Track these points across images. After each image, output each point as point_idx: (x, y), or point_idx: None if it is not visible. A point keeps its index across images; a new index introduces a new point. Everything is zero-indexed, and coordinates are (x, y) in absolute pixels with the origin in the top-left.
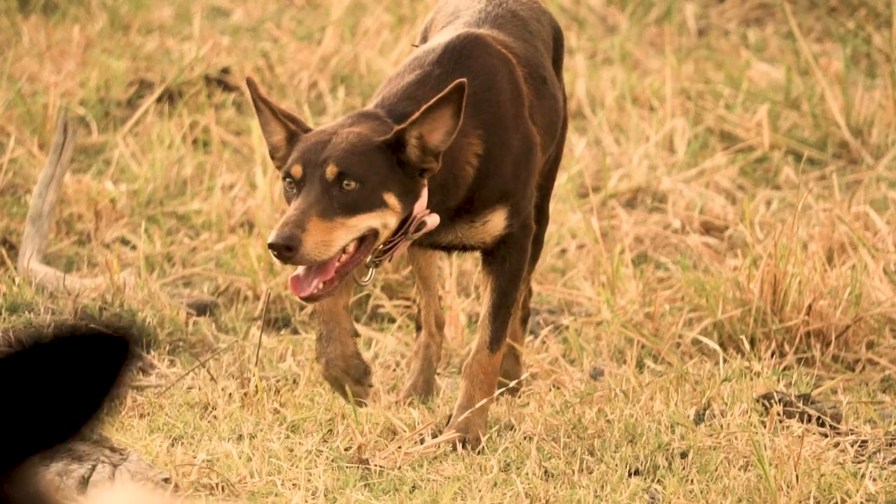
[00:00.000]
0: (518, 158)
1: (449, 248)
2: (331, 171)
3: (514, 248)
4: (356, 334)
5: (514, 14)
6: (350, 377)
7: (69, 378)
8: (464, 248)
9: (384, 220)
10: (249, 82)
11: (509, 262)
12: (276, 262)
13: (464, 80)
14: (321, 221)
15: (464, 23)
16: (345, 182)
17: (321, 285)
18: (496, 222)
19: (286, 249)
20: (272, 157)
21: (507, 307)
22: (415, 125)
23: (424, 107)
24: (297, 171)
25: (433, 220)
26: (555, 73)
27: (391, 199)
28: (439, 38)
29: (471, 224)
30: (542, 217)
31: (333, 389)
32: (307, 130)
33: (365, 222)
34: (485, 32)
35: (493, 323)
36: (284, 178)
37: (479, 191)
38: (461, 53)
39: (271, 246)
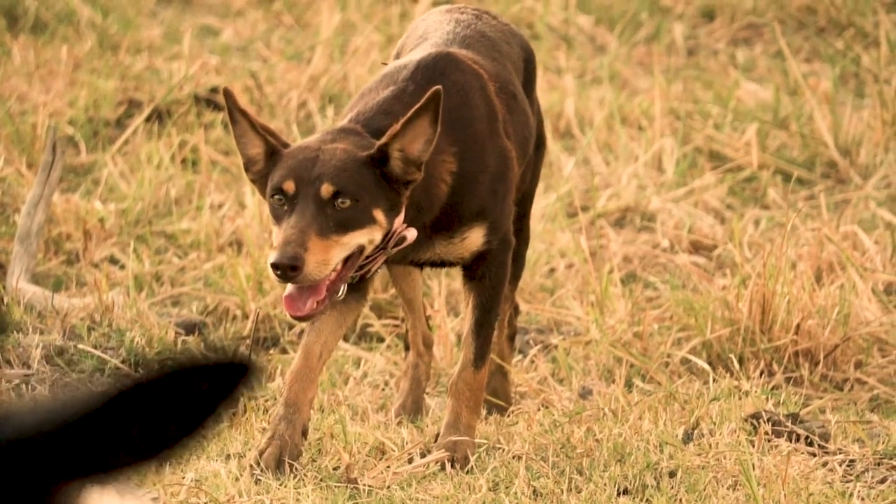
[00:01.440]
0: (494, 175)
1: (428, 265)
2: (326, 189)
3: (494, 263)
4: (306, 432)
5: (482, 35)
6: (282, 458)
7: (187, 402)
8: (442, 265)
9: (371, 236)
10: (227, 93)
11: (489, 278)
12: (275, 280)
13: (439, 87)
14: (319, 240)
15: (432, 44)
16: (339, 200)
17: (315, 304)
18: (474, 239)
19: (291, 269)
20: (247, 170)
21: (490, 323)
22: (396, 138)
23: (403, 119)
24: (289, 186)
25: (412, 235)
26: (527, 94)
27: (379, 214)
28: (411, 56)
29: (449, 241)
30: (522, 234)
31: (260, 459)
32: (285, 145)
33: (356, 239)
34: (456, 50)
35: (476, 340)
36: (273, 195)
37: (455, 208)
38: (434, 70)
39: (275, 266)
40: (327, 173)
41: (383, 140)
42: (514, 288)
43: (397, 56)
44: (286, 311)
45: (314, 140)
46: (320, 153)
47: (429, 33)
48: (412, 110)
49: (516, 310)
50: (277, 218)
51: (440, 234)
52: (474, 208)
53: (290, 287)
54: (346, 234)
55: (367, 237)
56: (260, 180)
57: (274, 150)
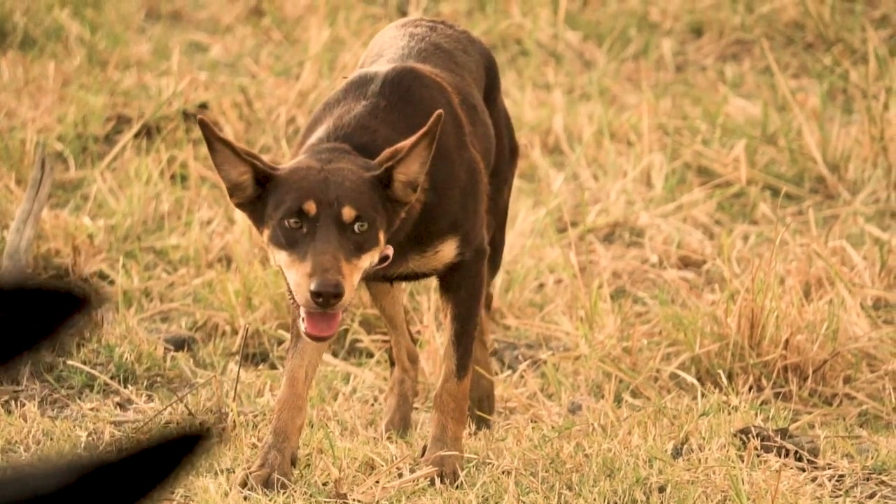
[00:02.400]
0: (465, 188)
1: (401, 279)
2: (348, 213)
3: (469, 273)
4: (296, 460)
5: (437, 46)
6: (270, 484)
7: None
8: (416, 277)
9: (374, 258)
10: (202, 123)
11: (465, 289)
12: (308, 306)
13: (441, 111)
14: (347, 265)
15: (388, 60)
16: (358, 224)
17: (336, 325)
18: (447, 252)
19: (334, 297)
20: (231, 195)
21: (469, 333)
22: (402, 162)
23: (410, 143)
24: (310, 207)
25: (390, 251)
26: (493, 101)
27: (382, 236)
28: (372, 69)
29: (422, 255)
30: (497, 246)
31: (252, 486)
32: (273, 168)
33: (367, 262)
34: (416, 64)
35: (457, 351)
36: (288, 217)
37: (428, 222)
38: (400, 85)
39: (318, 294)
40: (347, 196)
41: (389, 164)
42: (489, 295)
43: None
44: (309, 332)
45: (311, 160)
46: (328, 174)
47: (384, 49)
48: (418, 135)
49: (489, 302)
50: (291, 241)
51: (413, 249)
52: (447, 222)
53: (306, 310)
54: (362, 258)
55: (372, 259)
56: (250, 205)
57: (265, 174)
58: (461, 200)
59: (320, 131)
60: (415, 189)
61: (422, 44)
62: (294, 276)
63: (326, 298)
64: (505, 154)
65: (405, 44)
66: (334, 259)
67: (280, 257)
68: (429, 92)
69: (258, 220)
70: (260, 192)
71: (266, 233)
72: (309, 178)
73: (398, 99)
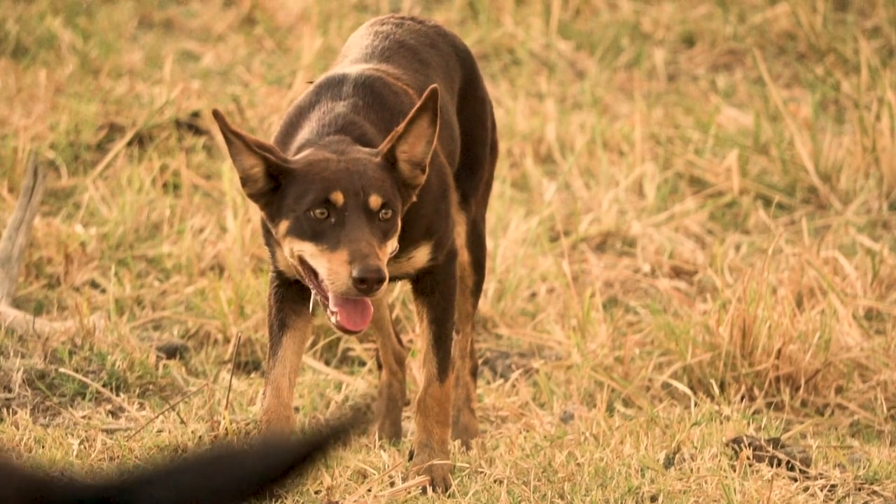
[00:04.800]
0: (437, 194)
1: None
2: (375, 201)
3: (442, 276)
4: None
5: (401, 44)
6: None
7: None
8: (390, 281)
9: (395, 244)
10: (217, 115)
11: (439, 292)
12: (347, 293)
13: (436, 86)
14: (381, 251)
15: (352, 60)
16: (383, 212)
17: (369, 316)
18: (420, 257)
19: (377, 283)
20: (244, 186)
21: (447, 335)
22: (401, 139)
23: (406, 119)
24: (338, 198)
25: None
26: (471, 94)
27: (399, 221)
28: (340, 72)
29: (396, 260)
30: (479, 243)
31: None
32: (285, 160)
33: (390, 248)
34: (377, 71)
35: (437, 355)
36: (314, 208)
37: (402, 230)
38: (372, 88)
39: (364, 280)
40: (371, 185)
41: (387, 143)
42: (474, 304)
43: None
44: (343, 326)
45: (324, 151)
46: (348, 164)
47: (350, 50)
48: (413, 110)
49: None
50: (317, 232)
51: None
52: (420, 229)
53: (340, 304)
54: (387, 244)
55: (394, 244)
56: (263, 197)
57: (278, 167)
58: (434, 206)
59: (308, 129)
60: (423, 170)
61: (385, 42)
62: (327, 264)
63: (371, 284)
64: (484, 148)
65: (369, 42)
66: (370, 246)
67: (304, 248)
68: (397, 98)
69: (273, 212)
70: (273, 185)
71: (284, 225)
72: (331, 169)
73: (372, 101)
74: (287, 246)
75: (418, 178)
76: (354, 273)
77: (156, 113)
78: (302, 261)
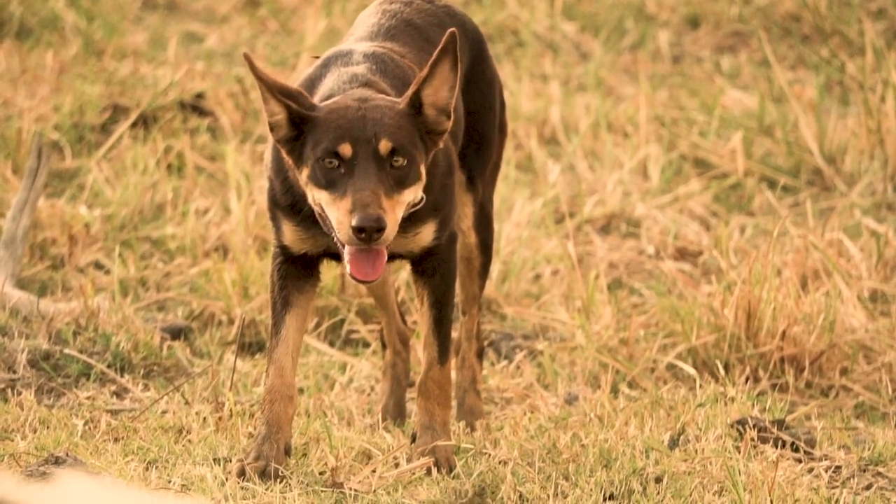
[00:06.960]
0: (443, 171)
1: None
2: (384, 146)
3: (443, 257)
4: (290, 450)
5: (408, 23)
6: (267, 475)
7: None
8: (391, 259)
9: (417, 192)
10: (247, 57)
11: (440, 274)
12: (350, 243)
13: (454, 29)
14: (388, 200)
15: (357, 38)
16: (395, 158)
17: (381, 266)
18: (426, 234)
19: (377, 231)
20: (271, 131)
21: (448, 317)
22: (426, 82)
23: (430, 62)
24: (346, 150)
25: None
26: (480, 74)
27: (422, 169)
28: (345, 47)
29: (402, 235)
30: (486, 225)
31: (249, 477)
32: (311, 107)
33: (408, 196)
34: (382, 48)
35: (437, 337)
36: (324, 158)
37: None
38: (379, 59)
39: (362, 230)
40: (384, 131)
41: (413, 87)
42: (481, 285)
43: None
44: (353, 276)
45: (349, 97)
46: (366, 111)
47: (357, 28)
48: (436, 53)
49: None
50: (329, 181)
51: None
52: (428, 206)
53: (351, 253)
54: (404, 192)
55: (414, 193)
56: (288, 144)
57: (299, 115)
58: (440, 183)
59: (328, 86)
60: (448, 116)
61: (392, 21)
62: (335, 213)
63: (369, 233)
64: (492, 129)
65: (375, 21)
66: (374, 194)
67: (321, 196)
68: (402, 70)
69: (297, 159)
70: (296, 132)
71: (305, 172)
72: (347, 117)
73: (384, 68)
74: (309, 193)
75: (444, 123)
76: (353, 222)
77: (160, 94)
78: (322, 209)
